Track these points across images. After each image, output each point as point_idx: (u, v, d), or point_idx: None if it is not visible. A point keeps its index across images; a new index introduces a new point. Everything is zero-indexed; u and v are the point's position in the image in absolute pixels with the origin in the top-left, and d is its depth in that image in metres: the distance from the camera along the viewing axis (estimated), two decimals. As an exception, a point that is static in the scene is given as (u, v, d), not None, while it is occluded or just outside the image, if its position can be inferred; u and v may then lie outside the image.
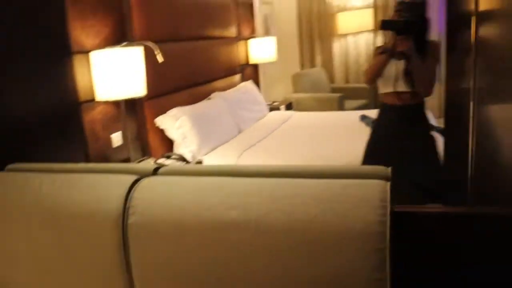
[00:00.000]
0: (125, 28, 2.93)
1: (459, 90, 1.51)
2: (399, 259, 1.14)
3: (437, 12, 5.92)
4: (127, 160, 2.80)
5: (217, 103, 3.76)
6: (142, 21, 3.04)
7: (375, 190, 1.13)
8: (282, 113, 4.78)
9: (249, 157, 3.16)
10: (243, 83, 4.65)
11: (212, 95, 3.94)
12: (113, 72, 2.49)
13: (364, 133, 2.87)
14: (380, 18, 5.90)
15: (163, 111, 3.21)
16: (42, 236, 1.39)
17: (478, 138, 1.19)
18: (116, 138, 2.79)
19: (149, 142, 3.09)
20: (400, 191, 1.20)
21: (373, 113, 3.09)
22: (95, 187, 1.39)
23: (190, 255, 1.22)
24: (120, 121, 2.80)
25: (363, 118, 3.90)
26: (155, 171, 1.46)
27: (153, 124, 3.14)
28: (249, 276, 1.18)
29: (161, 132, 3.19)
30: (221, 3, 4.39)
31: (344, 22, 6.26)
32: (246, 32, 5.04)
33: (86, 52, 2.55)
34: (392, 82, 2.48)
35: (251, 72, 5.18)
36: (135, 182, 1.37)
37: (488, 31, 1.14)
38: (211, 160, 3.17)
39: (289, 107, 5.26)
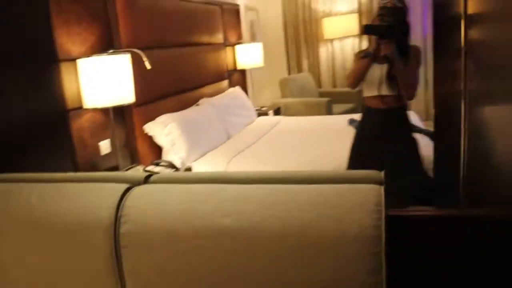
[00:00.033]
0: (112, 36, 2.91)
1: (448, 92, 1.53)
2: (394, 262, 1.14)
3: (421, 17, 6.01)
4: (115, 168, 2.78)
5: (205, 109, 3.75)
6: (129, 28, 3.02)
7: (369, 194, 1.13)
8: (271, 118, 4.79)
9: (239, 163, 3.15)
10: (231, 89, 4.65)
11: (200, 101, 3.92)
12: (101, 80, 2.47)
13: (353, 137, 2.88)
14: (365, 23, 5.95)
15: (151, 118, 3.18)
16: (32, 247, 1.36)
17: (469, 139, 1.20)
18: (105, 146, 2.76)
19: (137, 149, 3.06)
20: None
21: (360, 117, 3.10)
22: (85, 197, 1.37)
23: (183, 263, 1.21)
24: (108, 129, 2.78)
25: (352, 122, 3.93)
26: (146, 179, 1.45)
27: (142, 131, 3.11)
28: (244, 283, 1.17)
29: (149, 139, 3.16)
30: (207, 10, 4.39)
31: (329, 27, 6.31)
32: (232, 38, 5.04)
33: (73, 59, 2.53)
34: (376, 86, 2.51)
35: (239, 77, 5.19)
36: (127, 190, 1.35)
37: (477, 33, 1.15)
38: (201, 166, 3.15)
39: (277, 112, 5.27)
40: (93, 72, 2.47)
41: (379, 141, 2.56)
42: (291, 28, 6.62)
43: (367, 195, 1.13)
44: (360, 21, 6.22)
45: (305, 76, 6.19)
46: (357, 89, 2.65)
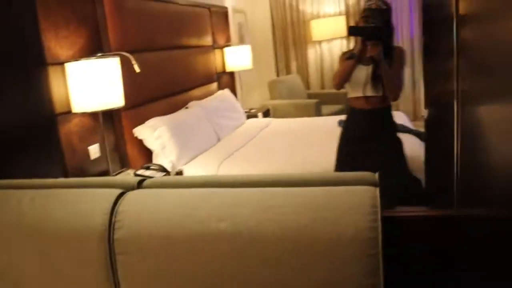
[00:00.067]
0: (100, 39, 2.89)
1: (439, 92, 1.54)
2: (388, 263, 1.14)
3: (408, 18, 6.06)
4: (105, 172, 2.75)
5: (195, 112, 3.73)
6: (117, 31, 2.99)
7: (364, 196, 1.13)
8: (260, 120, 4.78)
9: (230, 166, 3.14)
10: (220, 91, 4.64)
11: (190, 104, 3.91)
12: (90, 83, 2.44)
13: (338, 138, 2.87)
14: (353, 25, 5.99)
15: (140, 121, 3.16)
16: (24, 255, 1.34)
17: (463, 139, 1.21)
18: (94, 150, 2.73)
19: (127, 153, 3.03)
20: None
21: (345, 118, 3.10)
22: (78, 203, 1.35)
23: (180, 268, 1.20)
24: (97, 133, 2.75)
25: (341, 123, 3.90)
26: (139, 184, 1.44)
27: (131, 134, 3.09)
28: (241, 287, 1.16)
29: (139, 142, 3.14)
30: (196, 12, 4.38)
31: (317, 29, 6.33)
32: (221, 40, 5.03)
33: (61, 63, 2.49)
34: (361, 87, 2.52)
35: (228, 80, 5.18)
36: (120, 196, 1.34)
37: (469, 33, 1.16)
38: (191, 169, 3.14)
39: (266, 114, 5.27)
40: (82, 76, 2.44)
41: (364, 142, 2.58)
42: (279, 30, 6.63)
43: (362, 197, 1.13)
44: (348, 23, 6.26)
45: (294, 78, 6.21)
46: (342, 90, 2.66)
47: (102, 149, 2.76)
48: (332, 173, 1.34)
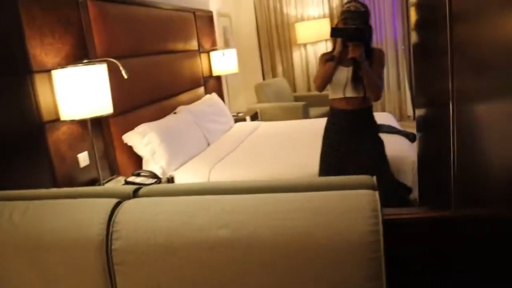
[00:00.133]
0: (86, 45, 2.85)
1: (431, 92, 1.54)
2: (389, 265, 1.14)
3: (391, 19, 6.13)
4: (95, 180, 2.71)
5: (183, 117, 3.71)
6: (103, 37, 2.96)
7: (364, 200, 1.13)
8: (248, 124, 4.78)
9: (221, 171, 3.12)
10: (208, 96, 4.62)
11: (178, 109, 3.88)
12: (77, 91, 2.41)
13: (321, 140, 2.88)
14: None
15: (129, 127, 3.13)
16: (18, 268, 1.31)
17: (458, 139, 1.21)
18: (83, 158, 2.69)
19: (117, 160, 3.00)
20: None
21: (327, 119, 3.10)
22: (73, 213, 1.32)
23: (180, 277, 1.18)
24: (86, 140, 2.71)
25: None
26: (135, 193, 1.42)
27: (120, 141, 3.05)
28: (243, 295, 1.15)
29: (128, 149, 3.10)
30: (181, 17, 4.36)
31: (302, 32, 6.36)
32: (207, 44, 5.02)
33: (48, 71, 2.46)
34: (341, 88, 2.54)
35: (214, 84, 5.16)
36: (116, 205, 1.32)
37: (463, 31, 1.17)
38: (182, 175, 3.11)
39: (254, 117, 5.27)
40: (69, 83, 2.41)
41: (346, 143, 2.60)
42: (264, 34, 6.65)
43: (362, 200, 1.14)
44: (332, 25, 6.31)
45: (280, 81, 6.22)
46: (324, 91, 2.67)
47: (91, 156, 2.72)
48: (331, 177, 1.34)
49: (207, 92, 4.79)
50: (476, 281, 1.20)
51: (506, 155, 1.00)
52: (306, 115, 5.31)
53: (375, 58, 2.52)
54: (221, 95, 5.11)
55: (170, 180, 3.07)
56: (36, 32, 2.42)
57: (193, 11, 4.65)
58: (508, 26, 0.94)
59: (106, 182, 2.73)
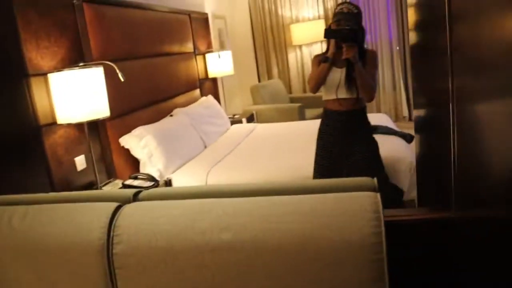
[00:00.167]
0: (82, 48, 2.84)
1: (431, 92, 1.55)
2: (390, 267, 1.14)
3: (385, 21, 6.15)
4: (92, 183, 2.70)
5: (180, 119, 3.70)
6: (99, 40, 2.95)
7: (366, 202, 1.13)
8: (245, 125, 4.78)
9: (218, 173, 3.12)
10: (204, 98, 4.62)
11: (174, 111, 3.87)
12: (74, 94, 2.40)
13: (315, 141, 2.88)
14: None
15: (125, 130, 3.12)
16: (18, 274, 1.30)
17: (458, 139, 1.22)
18: (80, 162, 2.68)
19: (114, 163, 2.99)
20: None
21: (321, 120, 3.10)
22: (73, 218, 1.32)
23: (183, 281, 1.18)
24: (83, 144, 2.70)
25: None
26: (135, 197, 1.41)
27: (117, 144, 3.04)
28: (245, 298, 1.15)
29: (125, 152, 3.09)
30: (176, 19, 4.36)
31: (297, 33, 6.37)
32: (202, 47, 5.01)
33: (44, 74, 2.45)
34: (334, 90, 2.54)
35: (210, 86, 5.16)
36: (116, 209, 1.31)
37: (462, 30, 1.17)
38: (180, 178, 3.11)
39: (250, 119, 5.27)
40: (66, 86, 2.40)
41: (340, 144, 2.60)
42: (259, 35, 6.65)
43: (364, 202, 1.14)
44: (326, 26, 6.32)
45: (276, 83, 6.22)
46: (318, 93, 2.68)
47: (88, 160, 2.71)
48: (332, 180, 1.34)
49: (203, 94, 4.79)
50: (478, 282, 1.20)
51: (507, 155, 1.01)
52: (302, 117, 5.31)
53: (368, 59, 2.54)
54: (217, 97, 5.11)
55: (168, 183, 3.06)
56: (32, 36, 2.41)
57: (189, 13, 4.65)
58: (507, 26, 0.94)
59: (103, 186, 2.72)
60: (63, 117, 2.43)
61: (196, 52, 4.76)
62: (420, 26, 1.63)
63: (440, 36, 1.27)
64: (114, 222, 1.26)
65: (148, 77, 3.63)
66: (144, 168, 3.11)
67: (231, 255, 1.14)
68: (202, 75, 4.89)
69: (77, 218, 1.30)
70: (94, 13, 2.93)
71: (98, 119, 2.54)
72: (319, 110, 5.72)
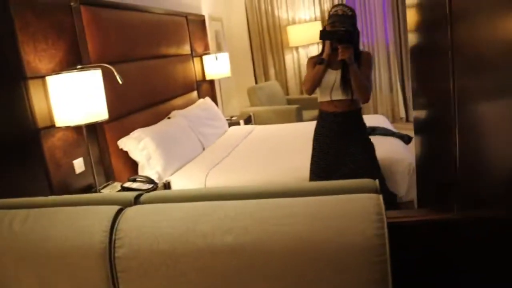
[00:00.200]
0: (79, 51, 2.83)
1: (431, 92, 1.55)
2: (393, 268, 1.14)
3: (382, 23, 6.17)
4: (91, 186, 2.69)
5: (178, 121, 3.70)
6: (96, 42, 2.94)
7: (369, 203, 1.13)
8: (242, 127, 4.78)
9: (217, 176, 3.11)
10: (202, 100, 4.62)
11: (172, 113, 3.87)
12: (72, 96, 2.39)
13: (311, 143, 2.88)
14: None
15: (123, 133, 3.11)
16: (19, 278, 1.29)
17: (460, 140, 1.22)
18: (79, 164, 2.67)
19: (112, 166, 2.98)
20: None
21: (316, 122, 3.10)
22: (74, 221, 1.31)
23: (184, 283, 1.18)
24: (81, 146, 2.69)
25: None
26: (136, 200, 1.41)
27: (115, 147, 3.03)
28: (248, 301, 1.15)
29: (124, 154, 3.09)
30: (173, 21, 4.35)
31: (294, 35, 6.38)
32: (199, 49, 5.01)
33: (42, 77, 2.44)
34: (328, 91, 2.55)
35: (207, 88, 5.16)
36: (118, 212, 1.31)
37: (463, 31, 1.17)
38: (178, 180, 3.10)
39: (247, 121, 5.27)
40: (64, 89, 2.39)
41: (336, 146, 2.60)
42: (256, 37, 6.65)
43: (367, 204, 1.14)
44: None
45: (273, 84, 6.23)
46: (313, 94, 2.68)
47: (87, 162, 2.70)
48: (333, 182, 1.34)
49: (200, 96, 4.79)
50: (479, 283, 1.21)
51: (509, 155, 1.01)
52: (299, 118, 5.32)
53: (362, 61, 2.55)
54: (214, 99, 5.11)
55: (167, 185, 3.06)
56: (29, 38, 2.40)
57: (185, 15, 4.65)
58: (508, 26, 0.95)
59: (102, 188, 2.71)
60: (61, 120, 2.42)
61: (193, 54, 4.75)
62: (420, 27, 1.64)
63: (441, 37, 1.27)
64: (115, 225, 1.26)
65: (146, 79, 3.62)
66: (143, 171, 3.10)
67: (233, 258, 1.14)
68: (199, 77, 4.89)
69: (79, 222, 1.30)
70: (92, 16, 2.93)
71: (97, 121, 2.54)
72: (317, 112, 5.72)
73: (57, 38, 2.63)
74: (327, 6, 6.37)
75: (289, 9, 6.53)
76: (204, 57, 4.98)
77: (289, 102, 6.05)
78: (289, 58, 6.64)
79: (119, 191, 2.70)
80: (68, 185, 2.56)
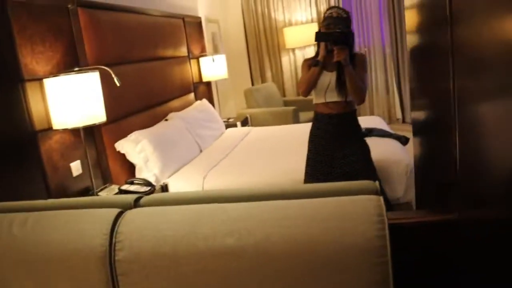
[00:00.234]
0: (77, 53, 2.83)
1: (430, 93, 1.55)
2: (394, 269, 1.15)
3: (378, 25, 6.19)
4: (89, 189, 2.68)
5: (175, 123, 3.69)
6: (93, 45, 2.94)
7: (370, 205, 1.14)
8: (240, 129, 4.77)
9: (214, 178, 3.11)
10: (199, 102, 4.61)
11: (169, 115, 3.86)
12: (70, 99, 2.38)
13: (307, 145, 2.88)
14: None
15: (120, 135, 3.10)
16: (19, 281, 1.28)
17: (460, 140, 1.22)
18: (76, 167, 2.66)
19: (109, 169, 2.97)
20: None
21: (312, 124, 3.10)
22: (74, 224, 1.31)
23: (187, 286, 1.17)
24: (78, 149, 2.68)
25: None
26: (136, 202, 1.40)
27: (112, 149, 3.02)
28: (249, 303, 1.15)
29: (121, 157, 3.08)
30: (170, 23, 4.35)
31: (290, 36, 6.39)
32: (196, 50, 5.01)
33: (39, 79, 2.43)
34: (323, 93, 2.56)
35: (204, 90, 5.16)
36: (118, 215, 1.30)
37: (463, 32, 1.18)
38: (176, 182, 3.10)
39: (244, 123, 5.27)
40: (61, 91, 2.38)
41: (331, 148, 2.61)
42: (252, 39, 6.66)
43: (367, 206, 1.14)
44: (320, 30, 6.34)
45: (270, 86, 6.23)
46: (309, 96, 2.69)
47: (84, 165, 2.69)
48: (334, 183, 1.34)
49: (197, 98, 4.79)
50: (480, 283, 1.21)
51: (509, 155, 1.01)
52: (296, 120, 5.32)
53: (357, 62, 2.56)
54: (211, 101, 5.10)
55: (164, 187, 3.05)
56: (27, 41, 2.39)
57: (182, 17, 4.65)
58: (508, 26, 0.95)
59: (99, 191, 2.70)
60: (58, 122, 2.42)
61: (190, 56, 4.75)
62: (420, 28, 1.64)
63: (441, 37, 1.28)
64: (116, 228, 1.25)
65: (143, 81, 3.62)
66: (140, 173, 3.10)
67: (234, 260, 1.13)
68: (196, 79, 4.89)
69: (79, 225, 1.29)
70: (89, 18, 2.92)
71: (95, 124, 2.53)
72: (313, 113, 5.76)
73: (54, 40, 2.62)
74: (323, 7, 6.39)
75: (286, 11, 6.54)
76: (201, 59, 4.98)
77: (286, 103, 6.06)
78: (285, 60, 6.65)
79: (116, 193, 2.70)
80: (65, 188, 2.55)
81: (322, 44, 2.51)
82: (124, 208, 1.35)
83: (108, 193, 2.70)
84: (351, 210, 1.13)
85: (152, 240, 1.20)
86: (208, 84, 5.28)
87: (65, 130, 2.53)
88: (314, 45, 6.54)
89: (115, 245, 1.22)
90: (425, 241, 1.29)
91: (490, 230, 1.17)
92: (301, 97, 6.49)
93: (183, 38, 4.63)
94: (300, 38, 6.32)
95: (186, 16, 4.76)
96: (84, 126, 2.46)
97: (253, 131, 4.56)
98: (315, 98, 2.66)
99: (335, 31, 2.43)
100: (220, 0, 6.26)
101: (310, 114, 5.59)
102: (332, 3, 6.24)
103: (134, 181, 2.80)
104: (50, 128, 2.46)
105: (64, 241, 1.27)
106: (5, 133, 2.23)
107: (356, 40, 6.24)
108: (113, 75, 2.65)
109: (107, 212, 1.31)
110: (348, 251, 1.09)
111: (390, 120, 6.19)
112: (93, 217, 1.31)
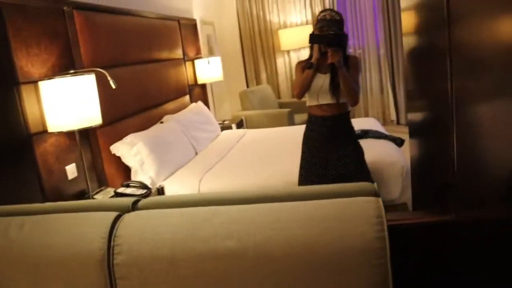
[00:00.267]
0: (72, 56, 2.81)
1: (427, 94, 1.56)
2: (393, 271, 1.15)
3: (372, 27, 6.21)
4: (84, 192, 2.67)
5: (170, 126, 3.68)
6: (89, 47, 2.93)
7: (369, 207, 1.14)
8: (235, 131, 4.77)
9: (210, 180, 3.10)
10: (194, 104, 4.61)
11: (165, 118, 3.85)
12: (65, 102, 2.37)
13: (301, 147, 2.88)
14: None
15: (116, 138, 3.09)
16: (16, 285, 1.27)
17: (458, 141, 1.23)
18: (71, 170, 2.64)
19: (105, 172, 2.96)
20: None
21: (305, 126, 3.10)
22: (71, 228, 1.30)
23: (185, 290, 1.17)
24: (73, 152, 2.66)
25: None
26: (134, 206, 1.40)
27: (108, 152, 3.01)
28: (249, 305, 1.15)
29: (116, 160, 3.06)
30: (165, 25, 4.35)
31: (285, 38, 6.40)
32: (191, 53, 5.01)
33: (34, 82, 2.42)
34: (316, 96, 2.56)
35: (199, 92, 5.15)
36: (116, 219, 1.29)
37: (461, 33, 1.19)
38: (172, 185, 3.09)
39: (239, 125, 5.27)
40: (57, 94, 2.37)
41: (325, 150, 2.61)
42: (247, 41, 6.67)
43: (366, 207, 1.14)
44: (315, 32, 6.36)
45: (265, 88, 6.23)
46: (303, 99, 2.69)
47: (80, 168, 2.68)
48: (332, 185, 1.34)
49: (192, 100, 4.78)
50: (479, 284, 1.21)
51: (507, 156, 1.02)
52: (291, 122, 5.33)
53: (351, 64, 2.57)
54: (206, 103, 5.10)
55: (160, 190, 3.04)
56: (22, 43, 2.38)
57: (178, 20, 4.64)
58: (506, 27, 0.96)
59: (95, 194, 2.69)
60: (54, 125, 2.40)
61: (185, 58, 4.75)
62: (417, 29, 1.65)
63: (439, 38, 1.28)
64: (114, 231, 1.25)
65: (138, 83, 3.61)
66: (136, 176, 3.08)
67: (234, 262, 1.13)
68: (191, 81, 4.89)
69: (77, 228, 1.28)
70: (84, 20, 2.91)
71: (90, 126, 2.51)
72: (308, 115, 5.77)
73: (49, 43, 2.61)
74: (318, 9, 6.40)
75: (280, 13, 6.55)
76: (196, 61, 4.97)
77: (281, 105, 6.06)
78: (280, 62, 6.66)
79: (112, 196, 2.68)
80: (60, 191, 2.54)
81: (316, 46, 2.52)
82: (122, 211, 1.34)
83: (104, 196, 2.68)
84: (351, 212, 1.14)
85: (150, 243, 1.20)
86: (203, 86, 5.27)
87: (60, 133, 2.52)
88: (309, 47, 6.58)
89: (114, 249, 1.22)
90: (423, 242, 1.29)
91: (488, 231, 1.17)
92: (295, 99, 6.54)
93: (178, 41, 4.63)
94: (295, 40, 6.33)
95: (181, 18, 4.76)
96: (79, 129, 2.45)
97: (248, 133, 4.55)
98: (309, 100, 2.66)
99: (328, 33, 2.43)
100: (215, 2, 6.26)
101: (305, 116, 5.58)
102: (327, 5, 6.26)
103: (130, 184, 2.79)
104: (45, 131, 2.44)
105: (62, 245, 1.26)
106: (0, 136, 2.22)
107: (351, 41, 6.27)
108: (108, 78, 2.64)
109: (105, 216, 1.30)
110: (348, 253, 1.09)
111: (384, 122, 6.21)
112: (91, 221, 1.30)
